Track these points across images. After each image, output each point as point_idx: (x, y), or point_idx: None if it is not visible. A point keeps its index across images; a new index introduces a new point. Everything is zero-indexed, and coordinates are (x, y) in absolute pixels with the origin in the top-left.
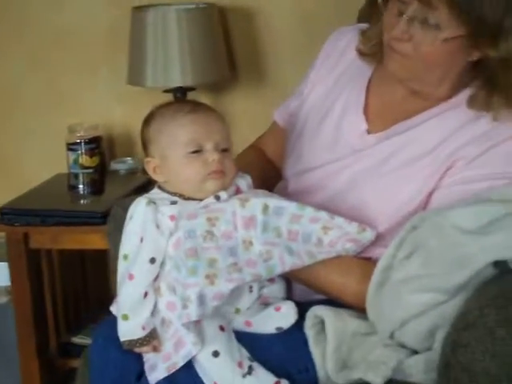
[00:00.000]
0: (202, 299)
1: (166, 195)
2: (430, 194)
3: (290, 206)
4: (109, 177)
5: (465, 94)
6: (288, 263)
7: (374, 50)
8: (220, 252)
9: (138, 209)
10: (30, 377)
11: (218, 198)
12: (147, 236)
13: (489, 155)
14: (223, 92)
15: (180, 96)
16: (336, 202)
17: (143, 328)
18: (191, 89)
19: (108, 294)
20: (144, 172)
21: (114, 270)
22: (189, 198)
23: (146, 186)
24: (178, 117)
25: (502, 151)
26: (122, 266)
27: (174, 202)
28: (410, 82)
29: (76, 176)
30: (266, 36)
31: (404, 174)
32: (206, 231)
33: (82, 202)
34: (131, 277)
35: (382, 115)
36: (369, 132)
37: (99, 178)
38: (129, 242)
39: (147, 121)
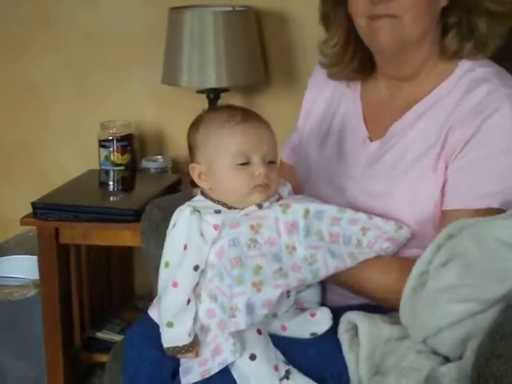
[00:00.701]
0: (250, 307)
1: (209, 203)
2: (444, 186)
3: (330, 210)
4: (139, 175)
5: (449, 83)
6: (331, 266)
7: (335, 60)
8: (265, 259)
9: (183, 217)
10: (55, 369)
11: (259, 206)
12: (192, 244)
13: (483, 132)
14: (256, 94)
15: (213, 97)
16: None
17: (189, 335)
18: (225, 90)
19: (132, 290)
20: (174, 171)
21: (140, 267)
22: (231, 207)
23: (176, 185)
24: (230, 125)
25: (493, 123)
26: (163, 273)
27: (217, 211)
28: (401, 50)
29: (107, 173)
30: (300, 40)
31: (416, 174)
32: (249, 239)
33: (112, 198)
34: (175, 284)
35: (377, 119)
36: (371, 139)
37: (130, 176)
38: (172, 250)
39: (195, 125)
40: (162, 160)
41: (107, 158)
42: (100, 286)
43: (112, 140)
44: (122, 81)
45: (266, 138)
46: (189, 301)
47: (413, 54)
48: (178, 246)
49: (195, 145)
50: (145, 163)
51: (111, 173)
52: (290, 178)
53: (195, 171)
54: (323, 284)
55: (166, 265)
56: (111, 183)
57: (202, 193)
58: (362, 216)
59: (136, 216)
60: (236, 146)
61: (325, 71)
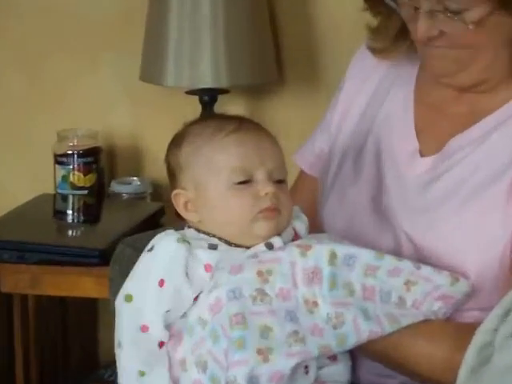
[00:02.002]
0: (253, 381)
1: (202, 235)
2: None
3: (365, 255)
4: (108, 202)
5: None
6: (364, 331)
7: (385, 45)
8: (275, 317)
9: (165, 243)
10: None
11: (270, 246)
12: (171, 282)
13: None
14: (266, 98)
15: (208, 100)
16: (400, 240)
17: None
18: (224, 91)
19: (95, 356)
20: (155, 197)
21: (106, 325)
22: (232, 244)
23: (158, 216)
24: (220, 136)
25: None
26: (124, 309)
27: (213, 247)
28: (458, 75)
29: (65, 198)
30: (322, 28)
31: (480, 206)
32: (256, 290)
33: (70, 233)
34: (144, 328)
35: (431, 128)
36: (421, 154)
37: (95, 203)
38: (141, 280)
39: (177, 141)
40: (138, 183)
41: (65, 178)
42: (53, 349)
43: (72, 155)
44: (88, 76)
45: (270, 150)
46: (161, 344)
47: (475, 72)
48: (151, 278)
49: (178, 166)
50: (115, 187)
51: (70, 198)
52: (311, 196)
53: (180, 199)
54: (353, 356)
55: (128, 299)
56: (70, 212)
57: (190, 227)
58: (406, 264)
59: (102, 258)
60: (231, 160)
61: (371, 56)
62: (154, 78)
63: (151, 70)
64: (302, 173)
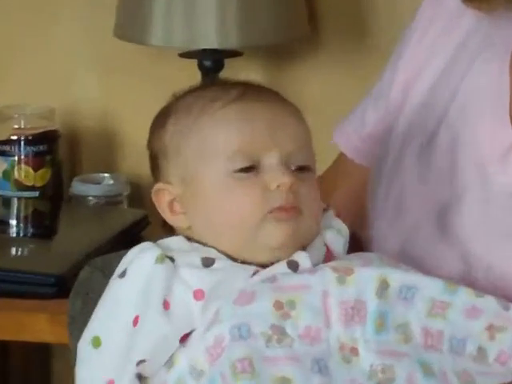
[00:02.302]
0: None
1: (196, 245)
2: None
3: (430, 285)
4: (68, 208)
5: None
6: None
7: None
8: (298, 366)
9: (140, 264)
10: None
11: (294, 265)
12: (147, 318)
13: None
14: (292, 61)
15: (211, 66)
16: (475, 271)
17: None
18: (234, 54)
19: None
20: (134, 201)
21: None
22: (238, 260)
23: (137, 227)
24: (216, 108)
25: None
26: (89, 356)
27: (208, 263)
28: None
29: (7, 203)
30: None
31: None
32: (271, 327)
33: (15, 252)
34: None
35: None
36: None
37: (50, 210)
38: (110, 318)
39: (162, 118)
40: (110, 181)
41: (7, 174)
42: None
43: (17, 142)
44: (43, 33)
45: (288, 127)
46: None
47: None
48: (121, 315)
49: (161, 153)
50: (79, 187)
51: (14, 203)
52: (355, 192)
53: (163, 198)
54: None
55: (95, 343)
56: (14, 223)
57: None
58: (488, 302)
59: (60, 287)
60: (230, 140)
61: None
62: (135, 35)
63: (130, 24)
64: (341, 156)
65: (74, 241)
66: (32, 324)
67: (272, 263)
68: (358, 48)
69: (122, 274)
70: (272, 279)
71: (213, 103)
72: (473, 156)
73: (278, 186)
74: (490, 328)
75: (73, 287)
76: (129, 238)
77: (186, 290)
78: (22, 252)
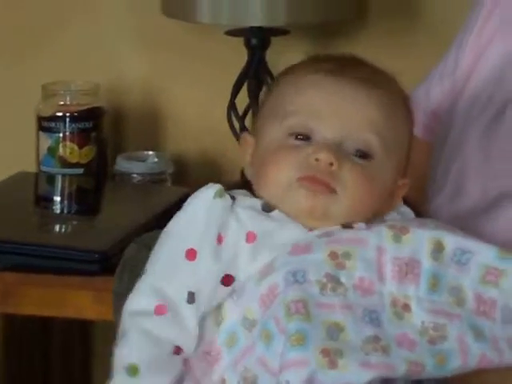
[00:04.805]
0: None
1: (255, 200)
2: None
3: (485, 251)
4: (112, 185)
5: None
6: (474, 354)
7: None
8: (350, 314)
9: (199, 199)
10: None
11: (349, 226)
12: (203, 250)
13: None
14: (341, 41)
15: (257, 44)
16: None
17: None
18: (281, 32)
19: None
20: (178, 179)
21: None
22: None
23: (179, 205)
24: (306, 73)
25: None
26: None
27: (267, 209)
28: None
29: (51, 180)
30: None
31: None
32: (326, 275)
33: (58, 229)
34: (161, 310)
35: None
36: None
37: (94, 187)
38: (164, 252)
39: (277, 76)
40: (155, 159)
41: (52, 151)
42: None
43: (62, 118)
44: (88, 6)
45: (363, 108)
46: (178, 350)
47: None
48: (177, 248)
49: (259, 107)
50: (123, 164)
51: (59, 180)
52: (421, 167)
53: (245, 147)
54: None
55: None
56: (58, 199)
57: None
58: None
59: (104, 264)
60: (299, 105)
61: None
62: (182, 12)
63: (177, 1)
64: None
65: (118, 218)
66: (75, 301)
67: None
68: (408, 28)
69: (182, 209)
70: (328, 234)
71: (306, 69)
72: None
73: (317, 160)
74: None
75: (119, 264)
76: (173, 216)
77: (240, 229)
78: (66, 229)
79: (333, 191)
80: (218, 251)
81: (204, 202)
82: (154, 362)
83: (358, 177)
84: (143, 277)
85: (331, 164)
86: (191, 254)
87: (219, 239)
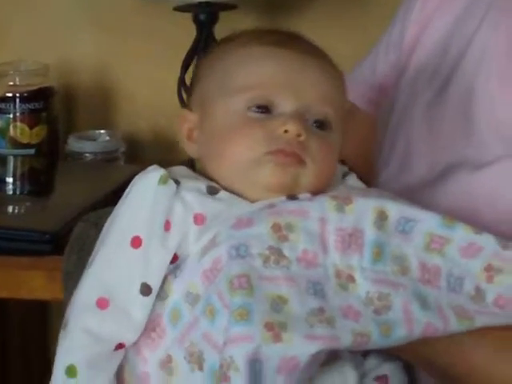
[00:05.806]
0: (256, 367)
1: (200, 178)
2: None
3: (428, 219)
4: (64, 165)
5: None
6: (419, 322)
7: None
8: (294, 287)
9: (143, 185)
10: None
11: (293, 198)
12: (149, 239)
13: None
14: (289, 14)
15: (206, 18)
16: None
17: None
18: (229, 6)
19: (45, 375)
20: (130, 158)
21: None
22: (236, 194)
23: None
24: (251, 45)
25: None
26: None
27: (213, 191)
28: None
29: (2, 161)
30: None
31: None
32: (269, 248)
33: (11, 210)
34: (103, 303)
35: None
36: None
37: (45, 167)
38: (112, 239)
39: (210, 50)
40: (107, 138)
41: (3, 132)
42: None
43: (12, 99)
44: None
45: (315, 78)
46: (120, 346)
47: None
48: (122, 236)
49: (194, 81)
50: (75, 144)
51: (10, 161)
52: (367, 140)
53: (184, 125)
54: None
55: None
56: (10, 181)
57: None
58: (487, 240)
59: (56, 244)
60: (253, 77)
61: None
62: None
63: None
64: (351, 107)
65: (71, 198)
66: (28, 281)
67: None
68: (359, 10)
69: (125, 196)
70: (270, 206)
71: (251, 42)
72: (487, 110)
73: (286, 131)
74: (489, 269)
75: (67, 243)
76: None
77: (187, 212)
78: (19, 210)
79: (302, 163)
80: (166, 238)
81: (148, 189)
82: (93, 361)
83: (323, 147)
84: (89, 269)
85: (299, 135)
86: (136, 242)
87: (166, 226)
